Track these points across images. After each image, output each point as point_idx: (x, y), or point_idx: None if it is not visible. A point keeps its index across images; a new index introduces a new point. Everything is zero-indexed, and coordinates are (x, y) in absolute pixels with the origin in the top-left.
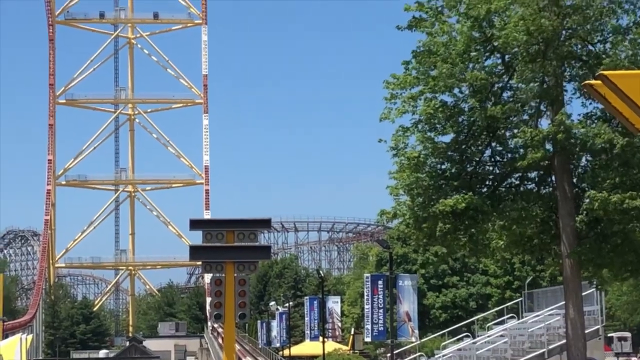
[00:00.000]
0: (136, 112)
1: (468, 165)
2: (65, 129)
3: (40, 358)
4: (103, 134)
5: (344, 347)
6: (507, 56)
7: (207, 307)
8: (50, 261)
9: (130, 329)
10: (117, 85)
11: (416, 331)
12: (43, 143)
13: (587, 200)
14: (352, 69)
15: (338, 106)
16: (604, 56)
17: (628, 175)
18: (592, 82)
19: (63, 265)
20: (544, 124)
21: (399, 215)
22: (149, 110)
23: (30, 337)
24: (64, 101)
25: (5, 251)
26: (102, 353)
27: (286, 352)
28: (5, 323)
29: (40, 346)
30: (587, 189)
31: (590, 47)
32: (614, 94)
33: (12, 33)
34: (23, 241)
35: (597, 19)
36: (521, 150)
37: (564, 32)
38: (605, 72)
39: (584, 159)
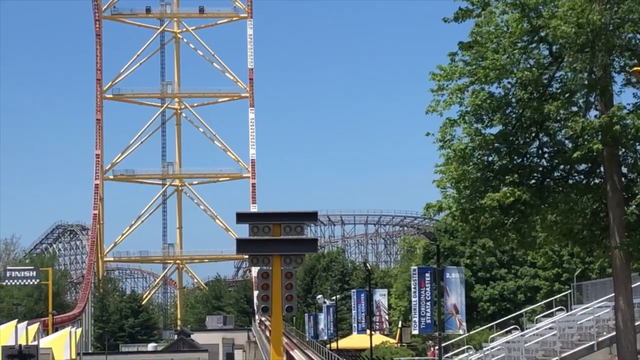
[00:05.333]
0: (182, 107)
1: (516, 158)
2: (113, 123)
3: (90, 351)
4: (150, 128)
5: (392, 340)
6: (554, 46)
7: (255, 300)
8: (99, 255)
9: (179, 322)
10: (163, 79)
11: (464, 324)
12: (91, 138)
13: (637, 192)
14: (398, 60)
15: (384, 98)
16: None
17: None
18: None
19: (111, 259)
20: (592, 115)
21: (444, 208)
22: (195, 104)
23: (79, 330)
24: (111, 96)
25: (54, 246)
26: (151, 346)
27: (334, 345)
28: (55, 317)
29: (89, 340)
30: (637, 179)
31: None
32: None
33: (60, 29)
34: (72, 236)
35: None
36: (569, 142)
37: (612, 22)
38: None
39: (633, 149)
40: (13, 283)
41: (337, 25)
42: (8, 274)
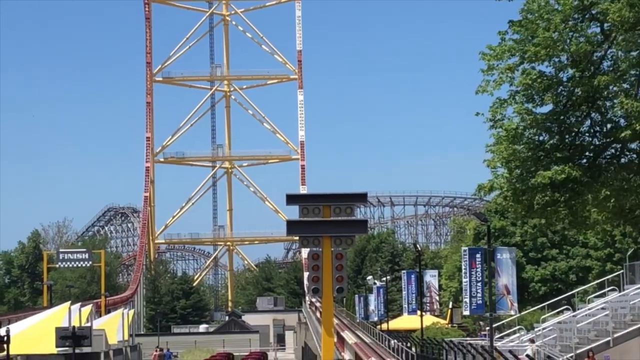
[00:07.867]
0: (232, 89)
1: (567, 137)
2: (163, 106)
3: (142, 332)
4: (199, 110)
5: (442, 321)
6: (605, 25)
7: (305, 282)
8: (150, 237)
9: (229, 303)
10: (212, 62)
11: (515, 304)
12: (141, 121)
13: None
14: (444, 40)
15: (434, 79)
16: None
17: None
18: None
19: (162, 241)
20: None
21: (495, 188)
22: (244, 86)
23: (131, 312)
24: (160, 79)
25: (105, 228)
26: (202, 327)
27: (384, 326)
28: (107, 298)
29: (141, 321)
30: None
31: None
32: None
33: (109, 13)
34: (123, 218)
35: None
36: (621, 120)
37: None
38: None
39: None
40: (66, 265)
41: (385, 4)
42: (61, 256)
